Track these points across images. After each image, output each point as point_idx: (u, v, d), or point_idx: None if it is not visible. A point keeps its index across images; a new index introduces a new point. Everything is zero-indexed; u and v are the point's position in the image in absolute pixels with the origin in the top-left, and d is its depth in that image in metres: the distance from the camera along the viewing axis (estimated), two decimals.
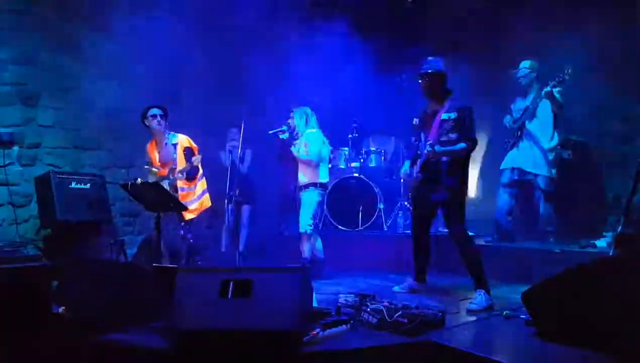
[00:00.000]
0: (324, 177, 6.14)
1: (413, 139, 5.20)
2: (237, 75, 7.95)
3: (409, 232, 5.42)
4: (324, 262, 6.26)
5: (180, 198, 5.72)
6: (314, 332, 3.36)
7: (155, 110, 5.91)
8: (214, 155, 7.40)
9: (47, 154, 6.88)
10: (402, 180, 7.93)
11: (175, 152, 5.92)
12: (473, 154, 4.89)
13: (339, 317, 3.83)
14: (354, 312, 3.96)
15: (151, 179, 5.82)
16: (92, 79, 6.77)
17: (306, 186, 6.09)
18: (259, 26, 7.86)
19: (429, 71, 4.91)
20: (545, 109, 6.21)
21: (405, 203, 7.64)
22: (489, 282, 4.66)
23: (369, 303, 3.99)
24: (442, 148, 4.68)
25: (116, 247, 6.13)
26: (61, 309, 3.95)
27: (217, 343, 3.26)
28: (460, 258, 4.84)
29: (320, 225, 6.45)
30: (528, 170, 6.29)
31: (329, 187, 6.87)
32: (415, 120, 5.18)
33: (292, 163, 6.10)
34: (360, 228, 7.52)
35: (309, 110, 6.28)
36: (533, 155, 6.24)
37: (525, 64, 6.39)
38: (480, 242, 6.43)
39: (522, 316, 3.94)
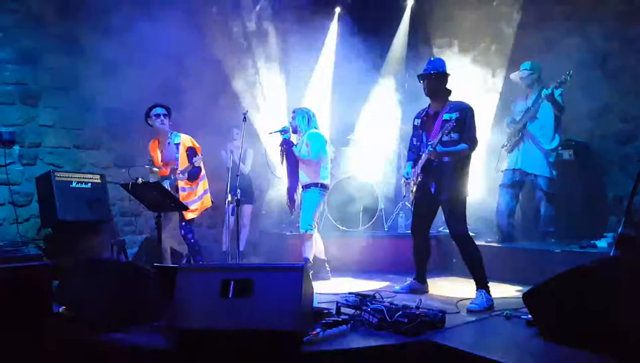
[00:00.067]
0: (325, 177, 6.14)
1: (414, 139, 5.20)
2: (239, 75, 7.96)
3: (409, 232, 5.42)
4: (324, 261, 6.26)
5: (181, 198, 5.72)
6: (315, 332, 3.36)
7: (158, 110, 5.90)
8: (215, 155, 7.41)
9: (48, 153, 6.90)
10: (402, 181, 7.94)
11: (177, 152, 5.91)
12: (474, 154, 4.88)
13: (339, 317, 3.82)
14: (355, 311, 3.95)
15: (152, 179, 5.82)
16: (93, 79, 6.79)
17: (307, 186, 6.10)
18: (261, 26, 7.88)
19: (431, 72, 4.91)
20: (546, 111, 6.20)
21: (406, 203, 7.64)
22: (489, 282, 4.66)
23: (369, 303, 3.99)
24: (444, 148, 4.69)
25: (117, 247, 6.13)
26: (62, 308, 3.96)
27: (217, 343, 3.26)
28: (461, 258, 4.85)
29: (321, 225, 6.45)
30: (529, 171, 6.29)
31: (330, 187, 6.87)
32: (417, 121, 5.18)
33: (294, 163, 6.10)
34: (360, 228, 7.52)
35: (310, 111, 6.29)
36: (534, 156, 6.24)
37: (526, 65, 6.39)
38: (481, 242, 6.42)
39: (522, 316, 3.94)
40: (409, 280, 5.38)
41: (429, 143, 4.75)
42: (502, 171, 6.53)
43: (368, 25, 8.20)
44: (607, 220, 6.37)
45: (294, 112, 6.29)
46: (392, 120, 8.32)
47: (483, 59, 7.37)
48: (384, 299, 4.22)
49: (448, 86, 4.98)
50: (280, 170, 6.49)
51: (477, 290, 4.60)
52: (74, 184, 6.18)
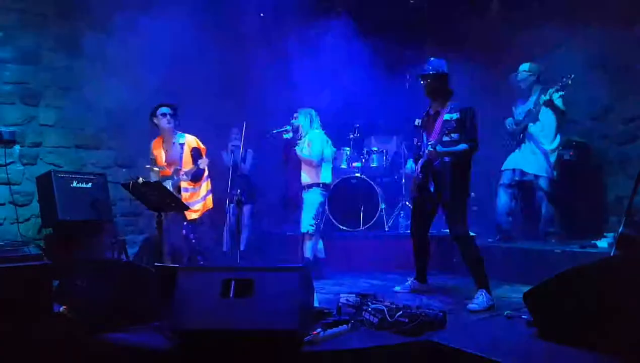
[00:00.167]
0: (326, 178, 6.14)
1: (415, 139, 5.20)
2: (239, 75, 7.97)
3: (410, 232, 5.42)
4: (325, 262, 6.26)
5: (184, 198, 5.72)
6: (315, 332, 3.36)
7: (165, 109, 5.89)
8: (216, 155, 7.41)
9: (49, 153, 6.90)
10: (403, 180, 7.94)
11: (182, 152, 5.90)
12: (475, 155, 4.88)
13: (340, 316, 3.83)
14: (355, 311, 3.96)
15: (154, 178, 5.81)
16: (94, 78, 6.79)
17: (309, 186, 6.10)
18: (262, 27, 7.88)
19: (431, 72, 4.91)
20: (548, 112, 6.21)
21: (407, 203, 7.64)
22: (490, 282, 4.66)
23: (370, 303, 3.99)
24: (444, 148, 4.69)
25: (117, 247, 6.14)
26: (62, 308, 3.95)
27: (218, 343, 3.27)
28: (462, 258, 4.85)
29: (322, 225, 6.46)
30: (530, 171, 6.28)
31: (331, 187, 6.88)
32: (418, 121, 5.19)
33: (296, 163, 6.10)
34: (361, 228, 7.53)
35: (313, 112, 6.30)
36: (535, 157, 6.24)
37: (524, 67, 6.39)
38: (482, 242, 6.42)
39: (523, 316, 3.94)
40: (409, 280, 5.39)
41: (429, 143, 4.75)
42: (501, 171, 6.53)
43: (369, 25, 8.18)
44: (608, 220, 6.37)
45: (296, 112, 6.30)
46: (393, 120, 8.32)
47: (484, 59, 7.36)
48: (385, 299, 4.22)
49: (449, 86, 4.98)
50: (282, 170, 6.49)
51: (477, 290, 4.60)
52: (74, 184, 6.17)
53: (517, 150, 6.38)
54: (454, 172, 4.76)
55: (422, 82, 5.01)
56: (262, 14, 7.99)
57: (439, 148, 4.66)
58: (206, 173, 6.03)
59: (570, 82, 5.85)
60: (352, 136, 8.36)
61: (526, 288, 3.76)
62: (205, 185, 6.06)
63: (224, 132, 7.66)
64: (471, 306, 4.43)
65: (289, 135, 6.14)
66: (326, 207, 7.09)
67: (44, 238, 6.37)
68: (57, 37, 6.86)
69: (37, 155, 6.81)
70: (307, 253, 6.05)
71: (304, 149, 6.05)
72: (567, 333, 3.28)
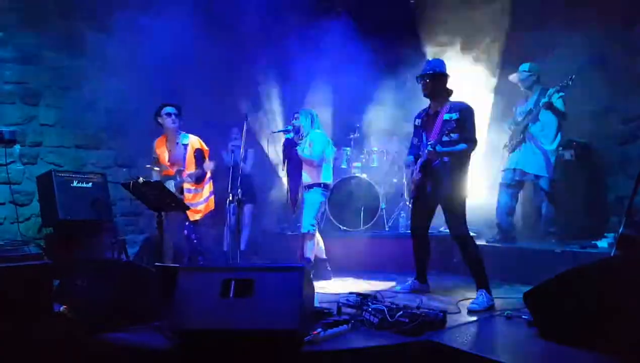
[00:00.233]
0: (327, 178, 6.14)
1: (415, 139, 5.20)
2: (240, 75, 7.96)
3: (410, 231, 5.42)
4: (325, 261, 6.26)
5: (187, 199, 5.73)
6: (315, 332, 3.36)
7: (170, 108, 5.88)
8: (216, 155, 7.41)
9: (49, 152, 6.91)
10: (404, 180, 7.94)
11: (185, 153, 5.89)
12: (474, 154, 4.88)
13: (340, 316, 3.83)
14: (355, 311, 3.96)
15: (155, 177, 5.80)
16: (94, 78, 6.80)
17: (310, 186, 6.10)
18: (262, 26, 7.87)
19: (430, 72, 4.92)
20: (548, 113, 6.20)
21: (407, 203, 7.64)
22: (490, 282, 4.66)
23: (370, 303, 4.00)
24: (443, 148, 4.69)
25: (117, 246, 6.14)
26: (62, 308, 3.95)
27: (218, 343, 3.26)
28: (462, 258, 4.85)
29: (322, 224, 6.46)
30: (530, 171, 6.28)
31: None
32: (417, 121, 5.19)
33: (296, 163, 6.10)
34: (362, 228, 7.53)
35: (314, 112, 6.30)
36: (535, 157, 6.23)
37: (524, 67, 6.39)
38: (482, 242, 6.43)
39: (523, 316, 3.94)
40: (409, 280, 5.39)
41: (428, 143, 4.75)
42: (502, 171, 6.53)
43: (370, 26, 8.19)
44: (608, 221, 6.37)
45: (297, 112, 6.30)
46: (393, 120, 8.32)
47: (484, 59, 7.37)
48: (385, 299, 4.23)
49: (449, 86, 4.98)
50: (282, 169, 6.49)
51: (477, 290, 4.61)
52: (74, 184, 6.17)
53: (517, 150, 6.38)
54: (454, 171, 4.76)
55: (420, 82, 5.01)
56: (262, 14, 7.98)
57: (438, 148, 4.67)
58: (209, 174, 6.03)
59: (571, 83, 5.85)
60: (352, 136, 8.36)
61: (526, 288, 3.76)
62: (208, 187, 6.06)
63: (224, 132, 7.66)
64: (471, 306, 4.43)
65: (290, 135, 6.14)
66: (326, 207, 7.09)
67: (44, 238, 6.37)
68: (58, 37, 6.86)
69: (37, 154, 6.81)
70: (308, 253, 6.04)
71: (305, 149, 6.05)
72: (567, 333, 3.28)
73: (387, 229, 7.78)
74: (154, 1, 6.59)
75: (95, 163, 7.29)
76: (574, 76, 5.83)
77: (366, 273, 6.48)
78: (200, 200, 5.92)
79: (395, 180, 8.27)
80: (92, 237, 6.08)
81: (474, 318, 4.17)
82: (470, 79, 7.17)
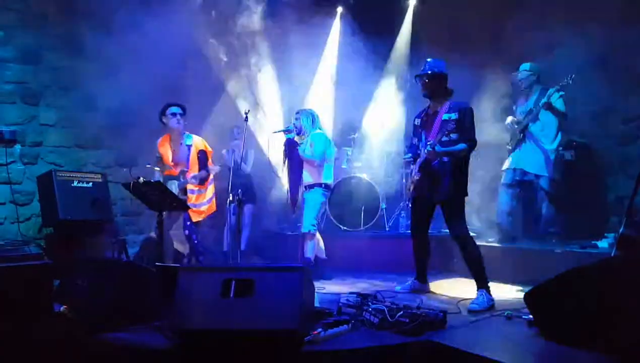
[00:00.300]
0: (328, 178, 6.15)
1: (415, 138, 5.21)
2: (240, 75, 7.96)
3: (410, 231, 5.43)
4: (325, 261, 6.26)
5: (190, 200, 5.74)
6: (316, 332, 3.36)
7: (175, 109, 5.85)
8: (217, 154, 7.41)
9: (49, 152, 6.90)
10: (404, 180, 7.94)
11: (189, 154, 5.88)
12: (474, 155, 4.89)
13: (340, 316, 3.83)
14: (356, 311, 3.96)
15: (157, 177, 5.79)
16: (94, 78, 6.78)
17: (311, 186, 6.11)
18: (262, 26, 7.88)
19: (428, 72, 4.93)
20: (548, 113, 6.20)
21: (408, 203, 7.65)
22: (490, 282, 4.66)
23: (370, 303, 4.00)
24: (443, 148, 4.69)
25: (118, 246, 6.13)
26: (63, 308, 3.95)
27: (218, 342, 3.27)
28: (462, 258, 4.85)
29: (322, 224, 6.46)
30: (530, 171, 6.29)
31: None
32: (417, 120, 5.19)
33: (297, 163, 6.10)
34: (362, 228, 7.53)
35: (315, 112, 6.30)
36: (535, 156, 6.24)
37: (525, 67, 6.39)
38: (482, 242, 6.42)
39: (523, 316, 3.94)
40: (409, 280, 5.39)
41: (427, 143, 4.75)
42: (502, 171, 6.53)
43: (370, 25, 8.19)
44: (608, 221, 6.37)
45: (298, 112, 6.30)
46: (394, 120, 8.32)
47: (484, 59, 7.36)
48: (385, 299, 4.23)
49: (448, 86, 4.99)
50: (283, 169, 6.49)
51: (477, 290, 4.61)
52: (75, 183, 6.16)
53: (517, 150, 6.38)
54: (453, 171, 4.77)
55: (419, 82, 5.02)
56: (263, 14, 7.99)
57: (437, 148, 4.67)
58: (212, 176, 6.01)
59: (570, 82, 5.85)
60: (352, 136, 8.36)
61: (526, 288, 3.76)
62: (211, 188, 6.06)
63: (224, 132, 7.66)
64: (471, 306, 4.43)
65: (291, 135, 6.14)
66: (327, 207, 7.09)
67: (44, 238, 6.37)
68: (58, 36, 6.86)
69: (37, 154, 6.81)
70: (308, 253, 6.05)
71: (306, 149, 6.05)
72: (568, 333, 3.28)
73: (387, 229, 7.79)
74: (154, 1, 6.58)
75: (95, 163, 7.29)
76: (573, 75, 5.84)
77: (366, 273, 6.49)
78: (203, 201, 5.93)
79: (395, 180, 8.27)
80: (92, 237, 6.07)
81: (474, 318, 4.17)
82: (470, 79, 7.17)
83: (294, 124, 6.25)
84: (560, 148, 6.38)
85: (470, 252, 4.77)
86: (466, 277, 5.05)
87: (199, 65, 7.51)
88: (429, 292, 5.26)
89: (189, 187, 5.83)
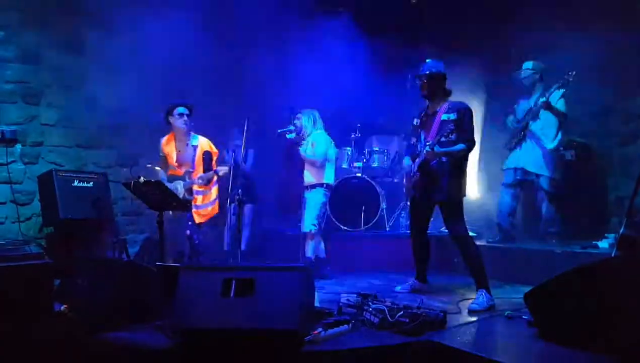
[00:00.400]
0: (329, 178, 6.17)
1: (413, 139, 5.21)
2: (241, 74, 7.96)
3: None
4: (326, 261, 6.26)
5: (196, 201, 5.75)
6: (316, 332, 3.37)
7: (182, 109, 5.82)
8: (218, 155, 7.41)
9: (50, 152, 6.90)
10: (404, 180, 7.94)
11: (194, 154, 5.87)
12: (475, 155, 4.89)
13: (340, 316, 3.83)
14: (356, 311, 3.97)
15: (162, 176, 5.78)
16: (95, 77, 6.78)
17: (312, 186, 6.12)
18: (263, 26, 7.87)
19: (427, 72, 4.93)
20: (548, 112, 6.20)
21: (408, 203, 7.64)
22: (490, 282, 4.67)
23: (370, 303, 4.00)
24: (441, 149, 4.69)
25: (118, 246, 6.13)
26: (63, 307, 3.96)
27: (219, 342, 3.27)
28: (462, 258, 4.86)
29: (323, 224, 6.46)
30: (531, 170, 6.29)
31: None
32: (416, 121, 5.20)
33: (298, 163, 6.11)
34: (362, 228, 7.53)
35: (316, 112, 6.31)
36: (536, 155, 6.24)
37: (528, 65, 6.39)
38: (482, 242, 6.43)
39: (523, 316, 3.95)
40: (410, 280, 5.39)
41: (427, 143, 4.76)
42: (503, 170, 6.53)
43: (371, 25, 8.18)
44: (609, 221, 6.38)
45: (299, 113, 6.31)
46: (394, 120, 8.32)
47: (485, 58, 7.36)
48: (385, 299, 4.23)
49: (447, 86, 4.99)
50: (283, 169, 6.50)
51: (477, 290, 4.62)
52: (75, 183, 6.16)
53: (518, 149, 6.38)
54: (451, 171, 4.78)
55: (418, 83, 5.03)
56: (263, 14, 7.98)
57: (436, 148, 4.67)
58: (215, 177, 6.00)
59: (571, 78, 5.85)
60: (353, 136, 8.35)
61: (526, 289, 3.77)
62: (215, 189, 6.05)
63: (225, 132, 7.65)
64: (471, 306, 4.44)
65: (292, 136, 6.14)
66: (327, 206, 7.09)
67: (45, 237, 6.36)
68: (59, 36, 6.85)
69: (38, 154, 6.81)
70: (309, 253, 6.05)
71: (307, 150, 6.06)
72: (568, 334, 3.28)
73: (387, 229, 7.78)
74: (156, 1, 6.58)
75: (96, 162, 7.29)
76: (574, 72, 5.83)
77: (366, 273, 6.49)
78: (207, 202, 5.93)
79: (395, 180, 8.27)
80: (93, 237, 6.07)
81: (475, 318, 4.18)
82: (471, 78, 7.17)
83: (295, 124, 6.25)
84: (561, 148, 6.38)
85: (470, 252, 4.77)
86: (466, 277, 5.05)
87: (200, 65, 7.50)
88: (429, 292, 5.26)
89: (195, 188, 5.83)
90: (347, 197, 7.59)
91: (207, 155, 5.88)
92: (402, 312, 3.70)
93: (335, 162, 6.42)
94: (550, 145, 6.20)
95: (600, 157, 6.73)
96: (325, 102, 7.11)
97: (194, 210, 5.81)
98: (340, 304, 4.09)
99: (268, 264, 4.61)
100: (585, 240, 5.83)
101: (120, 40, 6.46)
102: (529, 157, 6.28)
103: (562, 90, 6.03)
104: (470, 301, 4.54)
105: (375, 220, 7.59)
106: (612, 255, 4.39)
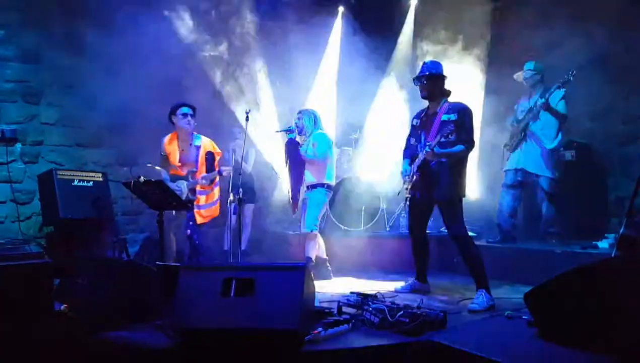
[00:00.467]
0: (330, 178, 6.17)
1: (412, 139, 5.21)
2: (241, 74, 7.96)
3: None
4: (326, 261, 6.26)
5: (200, 201, 5.75)
6: (316, 331, 3.37)
7: (186, 109, 5.83)
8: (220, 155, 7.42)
9: (50, 151, 6.91)
10: (403, 181, 7.93)
11: (197, 155, 5.87)
12: (475, 155, 4.89)
13: (340, 316, 3.83)
14: (356, 311, 3.97)
15: (164, 175, 5.78)
16: (95, 77, 6.79)
17: (313, 186, 6.11)
18: (263, 26, 7.87)
19: (426, 73, 4.93)
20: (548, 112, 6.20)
21: (405, 202, 7.64)
22: (490, 282, 4.67)
23: (370, 303, 4.00)
24: (441, 150, 4.68)
25: (118, 245, 6.13)
26: (63, 307, 3.96)
27: (219, 342, 3.27)
28: (462, 258, 4.85)
29: (323, 224, 6.47)
30: (531, 171, 6.28)
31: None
32: (416, 121, 5.20)
33: (298, 163, 6.11)
34: (362, 228, 7.52)
35: (316, 112, 6.31)
36: (536, 156, 6.23)
37: (529, 66, 6.39)
38: (482, 242, 6.43)
39: (523, 316, 3.94)
40: (410, 280, 5.39)
41: (427, 144, 4.75)
42: (503, 171, 6.53)
43: (371, 25, 8.19)
44: (609, 221, 6.38)
45: (300, 112, 6.31)
46: (395, 120, 8.32)
47: (486, 59, 7.36)
48: (386, 299, 4.23)
49: (447, 87, 4.99)
50: (284, 169, 6.50)
51: (477, 290, 4.61)
52: (75, 182, 6.16)
53: (518, 150, 6.38)
54: (451, 172, 4.77)
55: (417, 84, 5.03)
56: (263, 14, 7.99)
57: (436, 149, 4.67)
58: (217, 178, 6.00)
59: (572, 78, 5.84)
60: (353, 136, 8.35)
61: (526, 289, 3.76)
62: (217, 190, 6.06)
63: (225, 132, 7.66)
64: (471, 306, 4.44)
65: (293, 135, 6.14)
66: (327, 206, 7.10)
67: (45, 237, 6.37)
68: (59, 35, 6.86)
69: (38, 153, 6.82)
70: (309, 253, 6.05)
71: (308, 150, 6.06)
72: (568, 334, 3.28)
73: (387, 229, 7.78)
74: (155, 1, 6.58)
75: (96, 162, 7.29)
76: (574, 71, 5.82)
77: (366, 273, 6.49)
78: (210, 203, 5.94)
79: (396, 180, 8.25)
80: (93, 236, 6.07)
81: (474, 318, 4.18)
82: (471, 79, 7.18)
83: (295, 123, 6.25)
84: (561, 148, 6.38)
85: (470, 252, 4.77)
86: (466, 277, 5.05)
87: (200, 64, 7.50)
88: (429, 292, 5.26)
89: (198, 188, 5.83)
90: (347, 197, 7.58)
91: (209, 156, 5.88)
92: (402, 312, 3.70)
93: (335, 161, 6.42)
94: (550, 145, 6.19)
95: (600, 157, 6.73)
96: (326, 102, 7.12)
97: (196, 210, 5.81)
98: (340, 304, 4.09)
99: (268, 264, 4.62)
100: (585, 240, 5.83)
101: (120, 40, 6.46)
102: (529, 158, 6.27)
103: (562, 91, 6.03)
104: (470, 301, 4.54)
105: (375, 220, 7.59)
106: (612, 255, 4.39)
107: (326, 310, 3.93)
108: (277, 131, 6.37)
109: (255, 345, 3.22)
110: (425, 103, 5.14)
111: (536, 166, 6.24)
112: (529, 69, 6.36)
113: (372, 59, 7.84)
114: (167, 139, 5.97)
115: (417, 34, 8.65)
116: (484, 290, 4.56)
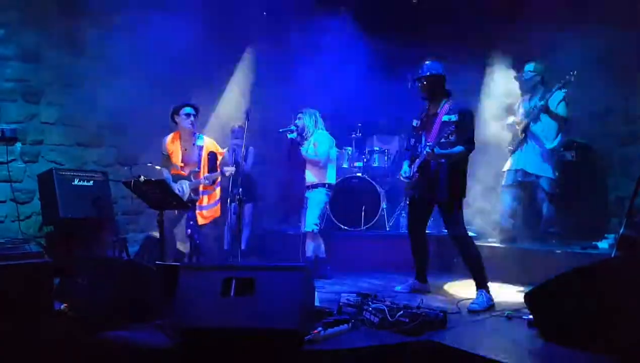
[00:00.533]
0: (331, 178, 6.17)
1: (412, 140, 5.21)
2: (241, 74, 7.96)
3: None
4: (326, 261, 6.26)
5: (202, 201, 5.76)
6: (316, 331, 3.37)
7: (189, 109, 5.81)
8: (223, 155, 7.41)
9: (50, 150, 6.89)
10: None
11: (200, 154, 5.87)
12: (476, 155, 4.89)
13: (340, 316, 3.84)
14: (356, 311, 3.96)
15: (166, 175, 5.77)
16: (96, 76, 6.79)
17: (314, 186, 6.12)
18: (264, 26, 7.87)
19: (427, 74, 4.93)
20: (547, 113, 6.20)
21: (406, 203, 7.65)
22: (490, 283, 4.67)
23: (370, 303, 4.00)
24: (441, 150, 4.68)
25: (118, 245, 6.13)
26: (63, 306, 3.96)
27: (219, 341, 3.27)
28: (461, 258, 4.86)
29: (323, 224, 6.47)
30: (532, 171, 6.28)
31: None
32: (416, 122, 5.20)
33: (298, 162, 6.11)
34: (362, 228, 7.52)
35: (317, 112, 6.31)
36: (536, 156, 6.23)
37: (529, 67, 6.39)
38: (483, 242, 6.42)
39: (523, 317, 3.95)
40: (410, 279, 5.39)
41: (427, 144, 4.75)
42: (504, 172, 6.53)
43: (372, 25, 8.18)
44: (609, 222, 6.37)
45: (301, 112, 6.31)
46: (395, 120, 8.31)
47: (486, 59, 7.35)
48: (385, 299, 4.23)
49: (447, 87, 4.99)
50: (284, 169, 6.50)
51: (477, 290, 4.62)
52: (75, 182, 6.16)
53: (519, 150, 6.38)
54: (451, 172, 4.77)
55: (418, 85, 5.02)
56: (264, 13, 7.98)
57: (437, 150, 4.66)
58: (219, 179, 5.99)
59: (573, 79, 5.84)
60: (353, 136, 8.35)
61: (526, 289, 3.78)
62: (218, 190, 6.05)
63: (225, 131, 7.65)
64: (471, 306, 4.44)
65: (294, 135, 6.14)
66: (327, 206, 7.10)
67: (45, 236, 6.36)
68: (59, 34, 6.85)
69: (38, 152, 6.81)
70: (309, 253, 6.05)
71: (309, 150, 6.06)
72: (568, 334, 3.28)
73: (387, 229, 7.78)
74: (156, 1, 6.58)
75: (96, 161, 7.28)
76: (575, 72, 5.82)
77: (366, 272, 6.49)
78: (212, 203, 5.94)
79: (396, 180, 8.26)
80: (93, 236, 6.06)
81: (474, 318, 4.18)
82: (471, 79, 7.16)
83: (296, 123, 6.25)
84: (561, 148, 6.37)
85: (469, 252, 4.78)
86: (466, 277, 5.05)
87: (200, 64, 7.50)
88: (429, 292, 5.26)
89: (201, 188, 5.83)
90: (347, 196, 7.58)
91: (212, 156, 5.88)
92: (402, 312, 3.70)
93: (336, 161, 6.42)
94: (550, 145, 6.19)
95: (600, 157, 6.72)
96: (326, 102, 7.11)
97: (197, 211, 5.81)
98: (340, 304, 4.09)
99: (268, 264, 4.62)
100: (585, 240, 5.83)
101: (121, 39, 6.46)
102: (529, 159, 6.27)
103: (563, 91, 6.02)
104: (470, 301, 4.54)
105: (375, 220, 7.59)
106: (612, 255, 4.39)
107: (326, 310, 3.94)
108: (280, 131, 6.36)
109: (255, 344, 3.22)
110: (426, 103, 5.14)
111: (536, 167, 6.24)
112: (529, 70, 6.36)
113: (372, 59, 7.84)
114: (169, 138, 5.96)
115: (418, 34, 8.63)
116: (483, 290, 4.57)
